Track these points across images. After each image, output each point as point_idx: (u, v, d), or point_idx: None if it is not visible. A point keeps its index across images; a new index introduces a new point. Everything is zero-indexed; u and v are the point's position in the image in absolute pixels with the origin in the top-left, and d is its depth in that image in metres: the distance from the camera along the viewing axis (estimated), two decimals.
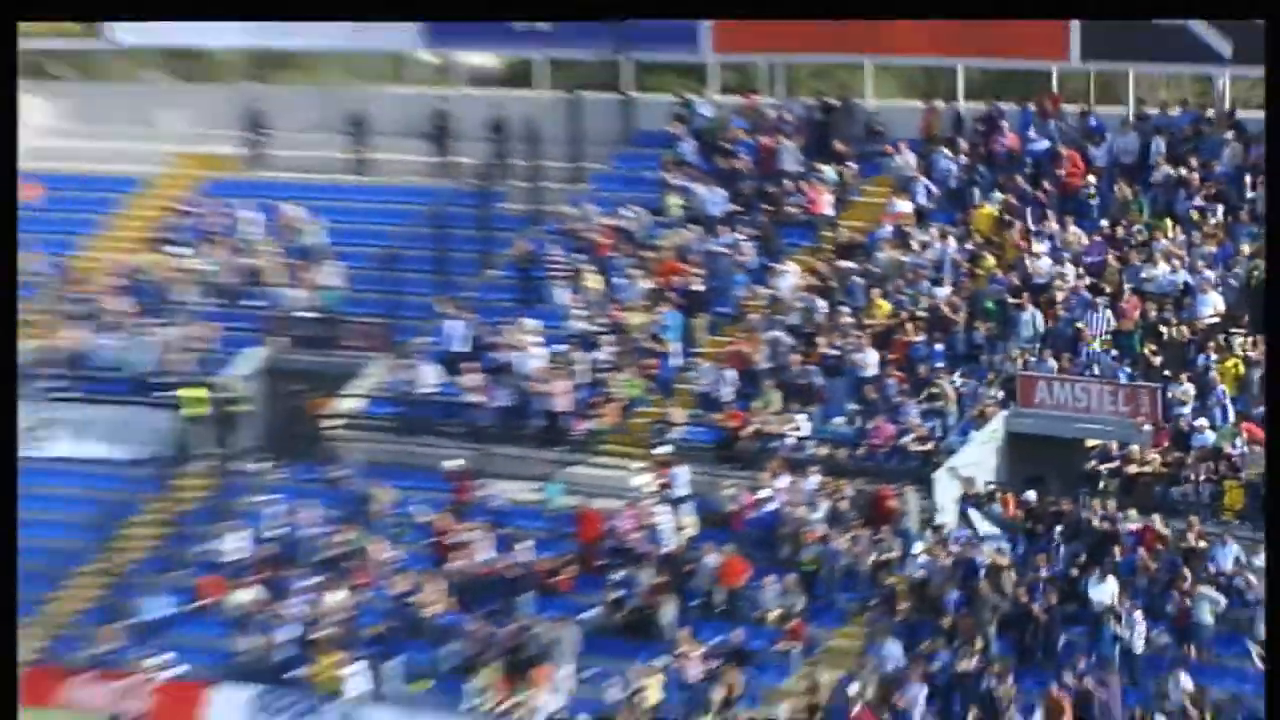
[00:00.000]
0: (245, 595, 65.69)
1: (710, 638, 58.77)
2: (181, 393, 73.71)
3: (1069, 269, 64.55)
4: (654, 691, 57.57)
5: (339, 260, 77.39)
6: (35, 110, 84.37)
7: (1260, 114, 66.36)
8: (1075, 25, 69.24)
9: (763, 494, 62.00)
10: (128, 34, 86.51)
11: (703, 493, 63.40)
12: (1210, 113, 68.11)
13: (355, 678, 61.95)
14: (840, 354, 64.96)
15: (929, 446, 61.50)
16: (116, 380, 75.98)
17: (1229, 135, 66.18)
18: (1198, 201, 64.89)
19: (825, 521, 60.25)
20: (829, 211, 70.45)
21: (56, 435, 75.07)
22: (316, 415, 72.55)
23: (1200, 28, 67.58)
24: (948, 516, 59.75)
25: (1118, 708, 52.68)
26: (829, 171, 71.13)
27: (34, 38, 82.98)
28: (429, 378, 70.57)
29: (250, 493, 70.51)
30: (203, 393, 73.69)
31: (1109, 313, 62.55)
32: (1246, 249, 62.54)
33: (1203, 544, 55.15)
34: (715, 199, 71.64)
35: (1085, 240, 65.41)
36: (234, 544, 67.67)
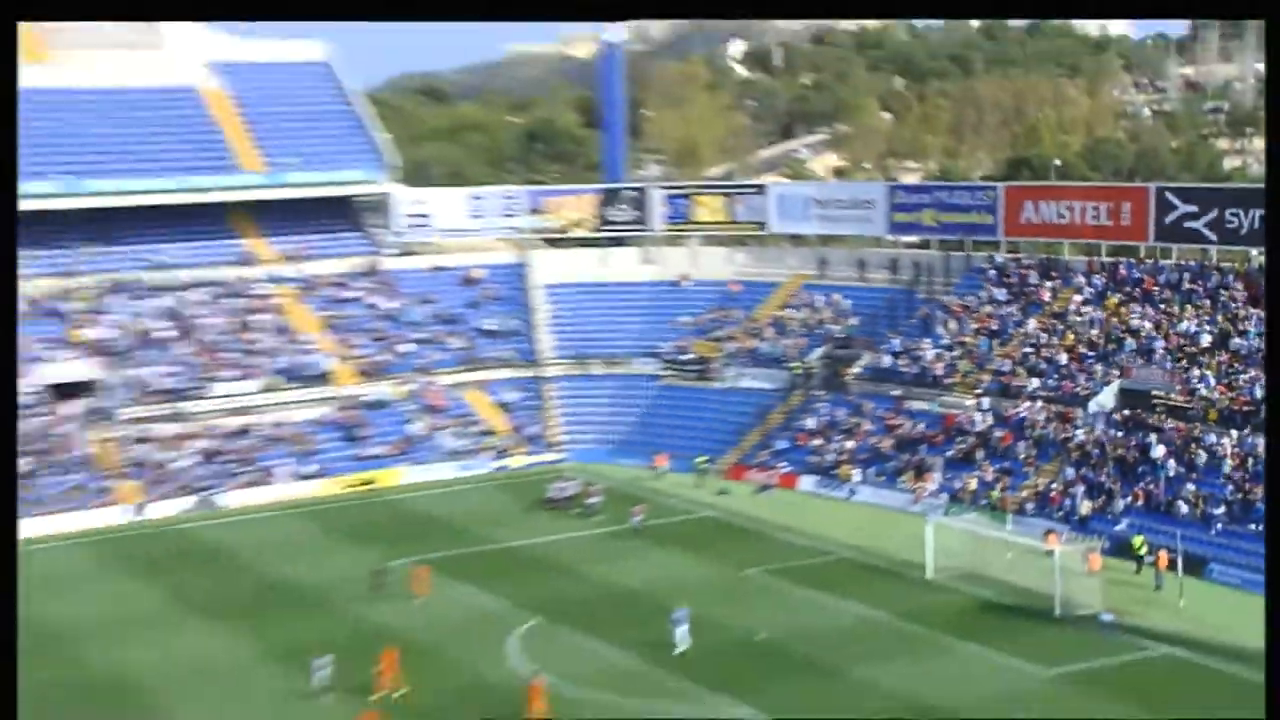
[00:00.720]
0: (816, 440, 67.77)
1: (996, 464, 60.36)
2: (791, 364, 73.47)
3: (1147, 324, 64.52)
4: (972, 484, 59.50)
5: (853, 315, 76.10)
6: (729, 261, 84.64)
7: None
8: (1151, 221, 66.29)
9: (1021, 409, 62.80)
10: (777, 224, 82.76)
11: (995, 408, 63.93)
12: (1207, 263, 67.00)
13: (855, 473, 64.27)
14: (1050, 357, 65.33)
15: (1088, 393, 61.79)
16: (766, 359, 74.98)
17: (1214, 274, 65.67)
18: (1200, 299, 64.52)
19: (1044, 421, 61.45)
20: (1048, 299, 69.76)
21: (742, 378, 74.55)
22: (841, 375, 71.78)
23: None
24: (1095, 418, 60.39)
25: (1161, 496, 53.96)
26: (1048, 284, 70.62)
27: (706, 229, 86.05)
28: (885, 360, 70.60)
29: (817, 402, 70.71)
30: (799, 364, 73.27)
31: (1162, 341, 62.68)
32: (1220, 318, 62.27)
33: (1199, 434, 56.18)
34: (1001, 293, 71.64)
35: (1154, 313, 65.10)
36: (811, 422, 69.32)
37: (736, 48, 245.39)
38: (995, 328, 70.00)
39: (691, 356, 77.53)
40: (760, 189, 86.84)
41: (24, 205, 74.40)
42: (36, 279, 74.18)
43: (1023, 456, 60.78)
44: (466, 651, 44.36)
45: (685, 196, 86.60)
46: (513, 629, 46.35)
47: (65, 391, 68.40)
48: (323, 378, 73.21)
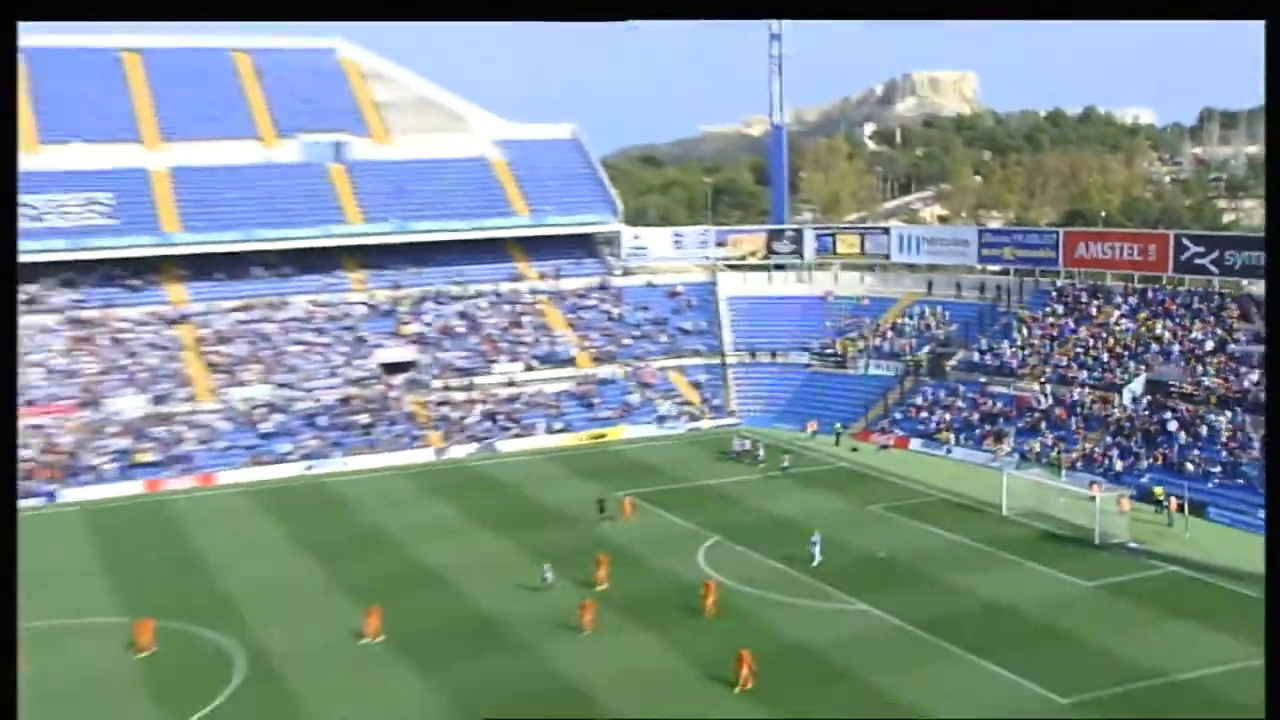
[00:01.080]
0: (922, 413, 65.00)
1: (1054, 433, 58.46)
2: (905, 358, 70.68)
3: (1167, 333, 62.13)
4: (1036, 447, 57.66)
5: (951, 323, 72.77)
6: (861, 282, 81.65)
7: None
8: (1171, 258, 63.41)
9: (1073, 393, 60.75)
10: (897, 256, 79.71)
11: (1054, 392, 61.79)
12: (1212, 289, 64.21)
13: (951, 437, 61.93)
14: (1095, 355, 63.17)
15: (1122, 382, 60.07)
16: (887, 354, 72.03)
17: (1217, 298, 63.17)
18: (1206, 316, 61.95)
19: (1090, 402, 59.76)
20: (1095, 314, 66.57)
21: (870, 367, 71.56)
22: (942, 366, 68.95)
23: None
24: (1127, 400, 58.56)
25: (1174, 458, 52.71)
26: (1095, 303, 67.39)
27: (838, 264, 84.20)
28: (974, 356, 67.92)
29: (924, 386, 67.88)
30: (911, 358, 70.31)
31: (1178, 346, 60.63)
32: (1220, 330, 60.00)
33: (1203, 413, 54.87)
34: (1060, 308, 68.73)
35: (1172, 325, 62.59)
36: (919, 399, 66.50)
37: (869, 128, 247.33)
38: (1055, 334, 68.04)
39: (833, 351, 76.47)
40: (885, 230, 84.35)
41: (368, 240, 77.86)
42: (376, 290, 77.33)
43: (1074, 428, 59.46)
44: (664, 559, 44.41)
45: (830, 235, 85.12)
46: (699, 544, 46.41)
47: (394, 368, 70.30)
48: (568, 361, 73.88)
